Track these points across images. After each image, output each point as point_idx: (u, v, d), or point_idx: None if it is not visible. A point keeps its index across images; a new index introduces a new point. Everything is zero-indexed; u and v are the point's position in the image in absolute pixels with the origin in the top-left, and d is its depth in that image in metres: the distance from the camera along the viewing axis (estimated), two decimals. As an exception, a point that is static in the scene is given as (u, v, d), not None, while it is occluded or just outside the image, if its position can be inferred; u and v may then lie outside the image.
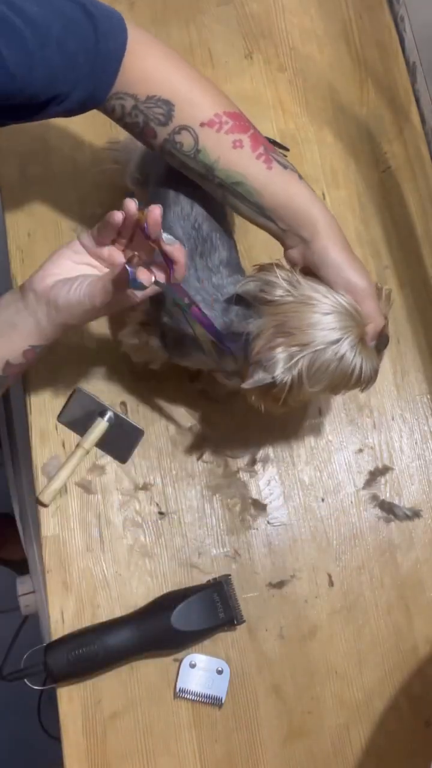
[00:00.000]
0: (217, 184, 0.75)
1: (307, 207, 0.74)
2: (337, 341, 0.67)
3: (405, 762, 0.83)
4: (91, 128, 0.98)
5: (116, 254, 0.72)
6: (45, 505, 0.86)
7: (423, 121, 1.03)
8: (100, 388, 0.91)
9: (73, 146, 0.98)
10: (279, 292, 0.69)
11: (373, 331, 0.72)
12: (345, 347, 0.67)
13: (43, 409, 0.89)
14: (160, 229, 0.64)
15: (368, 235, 0.98)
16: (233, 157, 0.73)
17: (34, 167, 0.97)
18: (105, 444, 0.89)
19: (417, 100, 1.04)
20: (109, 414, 0.88)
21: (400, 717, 0.84)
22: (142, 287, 0.63)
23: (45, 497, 0.86)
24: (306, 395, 0.70)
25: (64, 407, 0.90)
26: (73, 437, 0.89)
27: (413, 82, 1.05)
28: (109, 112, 0.74)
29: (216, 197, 0.77)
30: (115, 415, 0.89)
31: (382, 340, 0.74)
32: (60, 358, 0.91)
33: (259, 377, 0.67)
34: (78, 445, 0.88)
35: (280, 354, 0.67)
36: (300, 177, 0.75)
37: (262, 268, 0.73)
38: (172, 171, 0.78)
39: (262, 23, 1.05)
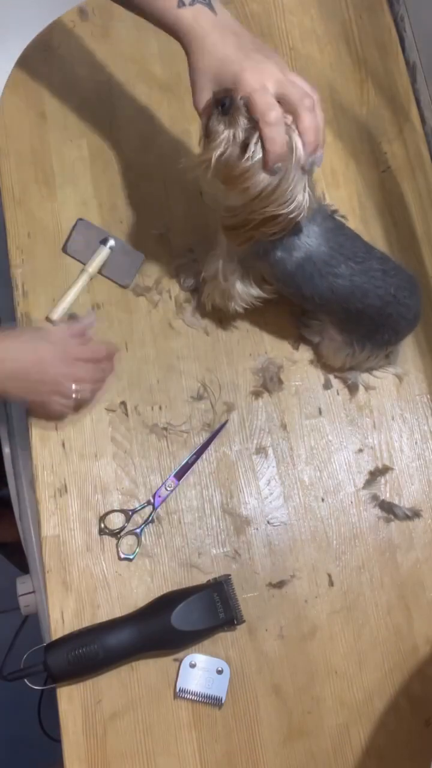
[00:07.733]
0: None
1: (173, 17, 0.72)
2: None
3: (405, 762, 0.83)
4: (91, 127, 0.99)
5: None
6: (52, 322, 0.91)
7: (423, 121, 1.03)
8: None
9: (73, 146, 0.98)
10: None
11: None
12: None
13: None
14: None
15: (368, 235, 0.98)
16: None
17: (34, 167, 0.97)
18: (108, 269, 0.92)
19: (417, 100, 1.04)
20: (111, 241, 0.92)
21: (400, 717, 0.84)
22: None
23: (55, 315, 0.90)
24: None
25: (68, 238, 0.93)
26: (72, 437, 0.89)
27: (413, 82, 1.05)
28: None
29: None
30: (116, 240, 0.92)
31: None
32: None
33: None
34: (83, 270, 0.92)
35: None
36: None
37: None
38: None
39: (262, 23, 1.05)
